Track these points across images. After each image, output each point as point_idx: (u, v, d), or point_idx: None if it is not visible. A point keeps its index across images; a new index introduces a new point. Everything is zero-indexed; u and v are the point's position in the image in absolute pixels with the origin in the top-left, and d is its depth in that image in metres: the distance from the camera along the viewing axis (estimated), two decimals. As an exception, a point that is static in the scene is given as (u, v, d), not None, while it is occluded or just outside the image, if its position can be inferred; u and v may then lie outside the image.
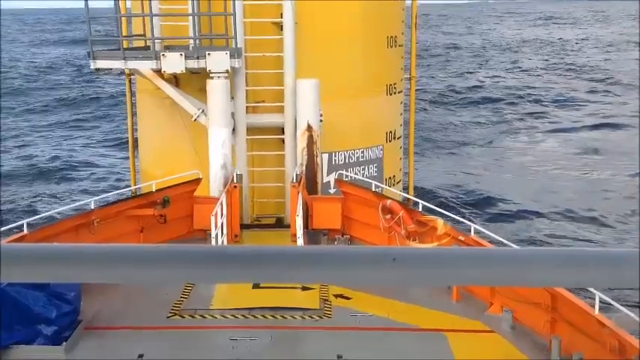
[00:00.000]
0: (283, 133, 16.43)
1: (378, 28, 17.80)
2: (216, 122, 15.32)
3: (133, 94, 19.96)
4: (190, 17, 15.63)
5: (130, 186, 18.86)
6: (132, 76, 19.53)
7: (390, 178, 18.45)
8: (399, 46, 18.77)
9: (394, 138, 18.98)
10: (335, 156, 17.09)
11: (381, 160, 18.18)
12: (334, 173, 16.70)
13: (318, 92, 15.59)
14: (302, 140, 15.64)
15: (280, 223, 16.18)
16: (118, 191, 17.42)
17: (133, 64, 15.40)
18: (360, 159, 17.59)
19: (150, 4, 15.19)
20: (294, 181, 14.82)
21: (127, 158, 21.87)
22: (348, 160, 17.31)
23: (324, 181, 16.54)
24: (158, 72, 15.47)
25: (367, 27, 17.51)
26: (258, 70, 16.23)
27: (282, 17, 16.04)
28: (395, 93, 18.77)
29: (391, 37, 18.16)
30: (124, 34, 16.81)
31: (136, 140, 19.63)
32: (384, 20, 18.05)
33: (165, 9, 16.02)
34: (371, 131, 18.07)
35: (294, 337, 10.43)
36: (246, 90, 16.25)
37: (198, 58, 15.02)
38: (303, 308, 11.15)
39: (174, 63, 14.98)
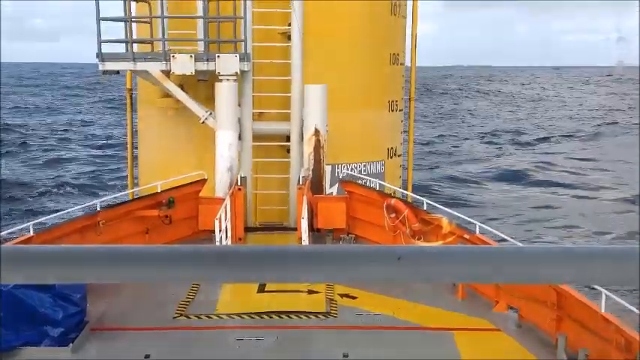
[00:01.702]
0: (288, 140, 16.49)
1: (381, 44, 18.09)
2: (224, 124, 15.35)
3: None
4: (200, 21, 15.68)
5: (127, 195, 18.79)
6: (132, 91, 19.65)
7: (380, 184, 18.62)
8: (401, 64, 19.04)
9: (395, 155, 19.24)
10: (338, 168, 17.17)
11: (382, 176, 18.29)
12: (336, 185, 16.79)
13: (325, 97, 15.64)
14: (309, 144, 15.66)
15: (285, 227, 16.25)
16: (122, 193, 17.46)
17: (142, 66, 15.35)
18: (362, 173, 17.74)
19: (162, 3, 15.18)
20: (300, 183, 14.85)
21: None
22: (351, 172, 17.41)
23: (327, 193, 16.59)
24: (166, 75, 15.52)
25: (371, 42, 17.77)
26: (266, 76, 16.27)
27: (289, 26, 16.16)
28: (396, 110, 19.11)
29: (393, 54, 18.43)
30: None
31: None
32: (387, 37, 18.32)
33: (174, 12, 16.02)
34: (373, 146, 18.30)
35: (300, 336, 10.43)
36: (252, 96, 16.31)
37: (207, 60, 15.04)
38: (309, 312, 11.14)
39: (183, 65, 14.98)
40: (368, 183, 16.62)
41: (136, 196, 16.42)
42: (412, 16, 19.42)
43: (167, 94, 16.31)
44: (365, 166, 17.94)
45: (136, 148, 19.75)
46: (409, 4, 19.34)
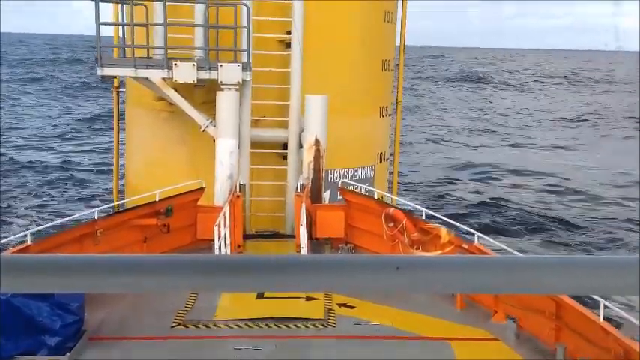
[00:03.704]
0: (284, 148, 16.50)
1: (375, 52, 18.30)
2: (225, 133, 15.34)
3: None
4: (200, 28, 15.64)
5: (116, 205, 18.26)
6: (120, 90, 19.39)
7: (378, 192, 18.73)
8: (391, 70, 19.21)
9: (384, 159, 19.49)
10: (330, 174, 17.23)
11: (372, 181, 18.46)
12: (329, 191, 16.84)
13: (326, 107, 15.67)
14: (309, 154, 15.66)
15: (283, 235, 16.24)
16: (121, 202, 17.40)
17: (143, 73, 15.25)
18: (354, 178, 17.89)
19: (164, 9, 15.15)
20: (298, 190, 14.86)
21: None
22: (343, 178, 17.54)
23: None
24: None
25: (366, 50, 17.94)
26: (263, 84, 16.26)
27: (287, 34, 16.23)
28: (386, 115, 19.35)
29: (386, 60, 18.61)
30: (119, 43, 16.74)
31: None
32: (381, 44, 18.50)
33: (170, 20, 15.92)
34: (365, 151, 18.51)
35: (298, 346, 10.41)
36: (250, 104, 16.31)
37: (210, 69, 15.01)
38: (308, 318, 11.13)
39: (185, 73, 14.94)
40: (360, 189, 16.69)
41: (122, 207, 16.29)
42: (401, 21, 19.60)
43: (162, 97, 16.20)
44: (357, 171, 18.14)
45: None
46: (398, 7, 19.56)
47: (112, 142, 21.59)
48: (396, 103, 20.64)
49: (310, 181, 15.56)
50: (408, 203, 14.95)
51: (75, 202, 32.35)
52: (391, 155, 21.00)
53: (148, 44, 16.11)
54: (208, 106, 15.71)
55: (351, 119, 17.60)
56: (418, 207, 14.78)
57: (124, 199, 18.24)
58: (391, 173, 21.39)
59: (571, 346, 9.47)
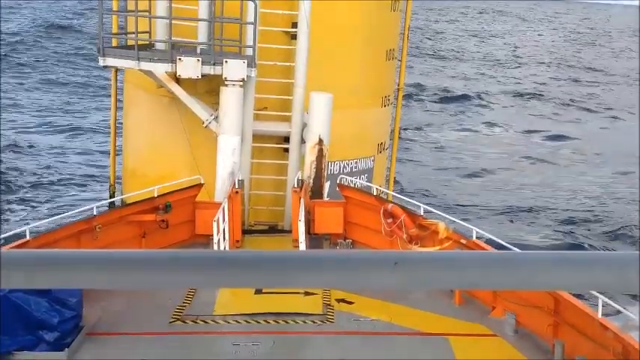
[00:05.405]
0: (285, 141, 16.39)
1: (380, 42, 18.04)
2: (228, 130, 15.23)
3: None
4: (205, 20, 15.47)
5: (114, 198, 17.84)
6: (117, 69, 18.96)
7: (377, 188, 18.66)
8: (395, 59, 19.05)
9: (383, 149, 19.42)
10: (331, 165, 17.15)
11: (371, 171, 18.39)
12: (328, 182, 16.78)
13: (330, 107, 15.55)
14: (312, 153, 15.55)
15: (281, 230, 16.19)
16: (120, 197, 17.38)
17: (146, 66, 15.00)
18: (354, 169, 17.82)
19: (170, 4, 14.98)
20: (296, 186, 14.82)
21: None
22: (343, 170, 17.48)
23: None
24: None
25: (369, 41, 17.69)
26: (265, 78, 16.11)
27: (292, 27, 16.03)
28: (388, 105, 19.17)
29: (390, 50, 18.41)
30: (120, 31, 16.49)
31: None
32: (386, 34, 18.24)
33: (176, 8, 15.65)
34: (365, 143, 18.37)
35: (297, 342, 10.42)
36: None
37: (214, 64, 14.86)
38: (306, 313, 11.14)
39: (190, 68, 14.80)
40: (357, 182, 16.64)
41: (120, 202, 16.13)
42: (406, 7, 19.43)
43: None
44: (357, 162, 18.05)
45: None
46: None
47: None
48: (397, 89, 20.27)
49: (312, 180, 15.50)
50: (405, 198, 14.89)
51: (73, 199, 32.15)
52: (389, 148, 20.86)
53: (150, 31, 15.84)
54: (212, 95, 15.56)
55: (353, 110, 17.42)
56: (416, 202, 14.77)
57: (121, 186, 18.05)
58: (389, 160, 21.17)
59: (569, 343, 9.48)
